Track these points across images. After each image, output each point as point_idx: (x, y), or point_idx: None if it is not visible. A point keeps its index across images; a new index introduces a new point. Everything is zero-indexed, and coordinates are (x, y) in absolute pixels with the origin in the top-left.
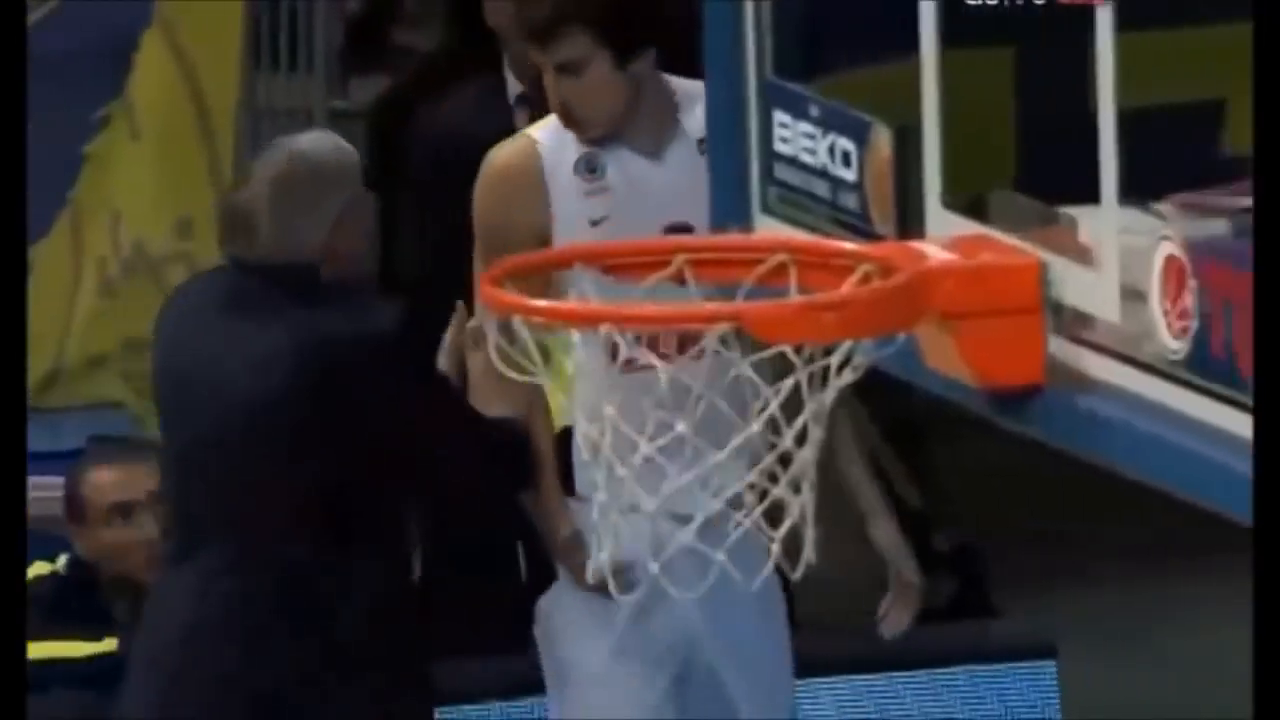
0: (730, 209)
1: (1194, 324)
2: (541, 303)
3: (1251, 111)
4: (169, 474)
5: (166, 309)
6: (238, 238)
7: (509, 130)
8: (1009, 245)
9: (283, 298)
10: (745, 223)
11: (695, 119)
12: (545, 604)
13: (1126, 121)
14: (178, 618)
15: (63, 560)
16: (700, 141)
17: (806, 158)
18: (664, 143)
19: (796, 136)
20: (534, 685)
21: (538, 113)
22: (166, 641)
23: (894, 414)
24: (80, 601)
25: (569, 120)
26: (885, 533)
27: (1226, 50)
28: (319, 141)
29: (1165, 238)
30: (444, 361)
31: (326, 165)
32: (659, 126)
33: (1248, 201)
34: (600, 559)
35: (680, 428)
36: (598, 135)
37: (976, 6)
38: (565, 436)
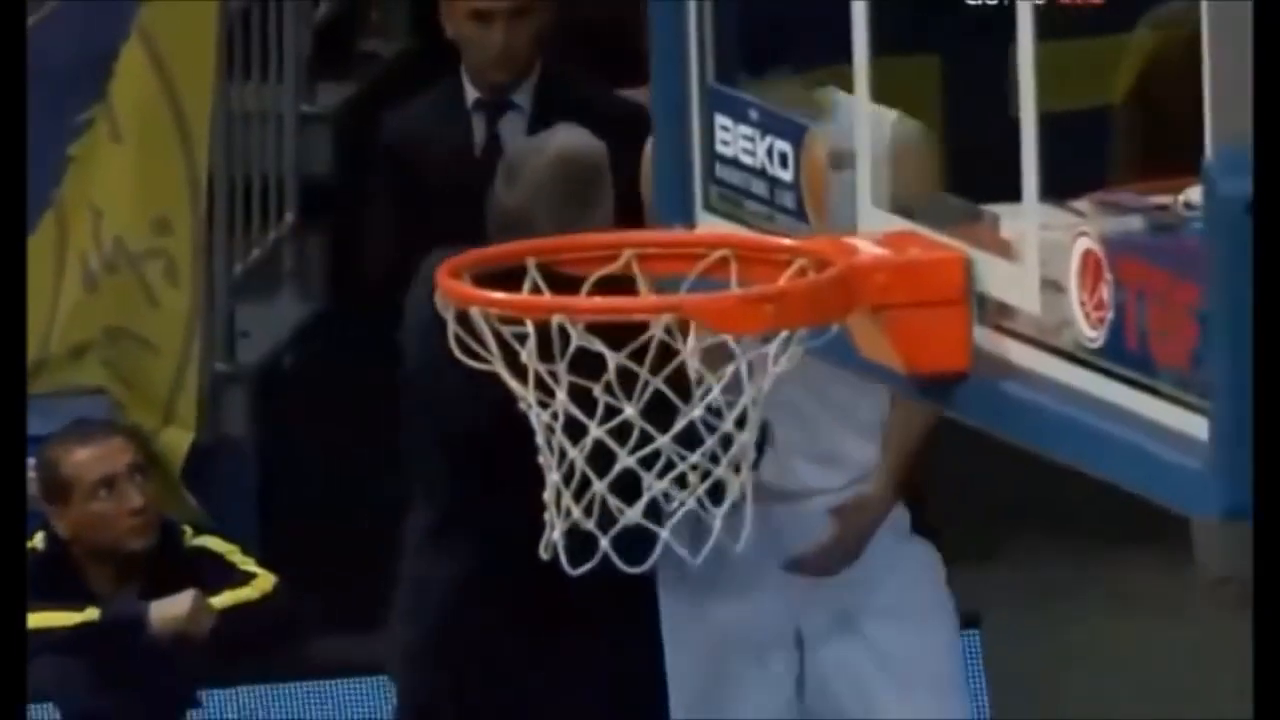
0: (675, 207)
1: (1110, 314)
2: (496, 294)
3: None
4: (425, 462)
5: (425, 296)
6: (512, 237)
7: (467, 135)
8: (936, 241)
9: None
10: (689, 220)
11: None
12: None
13: (1046, 124)
14: (441, 593)
15: (39, 537)
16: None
17: (746, 159)
18: None
19: (737, 139)
20: None
21: (495, 118)
22: (431, 613)
23: None
24: (60, 575)
25: None
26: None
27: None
28: (576, 137)
29: (1083, 233)
30: None
31: (591, 160)
32: None
33: (1160, 199)
34: (554, 536)
35: (628, 411)
36: None
37: (906, 18)
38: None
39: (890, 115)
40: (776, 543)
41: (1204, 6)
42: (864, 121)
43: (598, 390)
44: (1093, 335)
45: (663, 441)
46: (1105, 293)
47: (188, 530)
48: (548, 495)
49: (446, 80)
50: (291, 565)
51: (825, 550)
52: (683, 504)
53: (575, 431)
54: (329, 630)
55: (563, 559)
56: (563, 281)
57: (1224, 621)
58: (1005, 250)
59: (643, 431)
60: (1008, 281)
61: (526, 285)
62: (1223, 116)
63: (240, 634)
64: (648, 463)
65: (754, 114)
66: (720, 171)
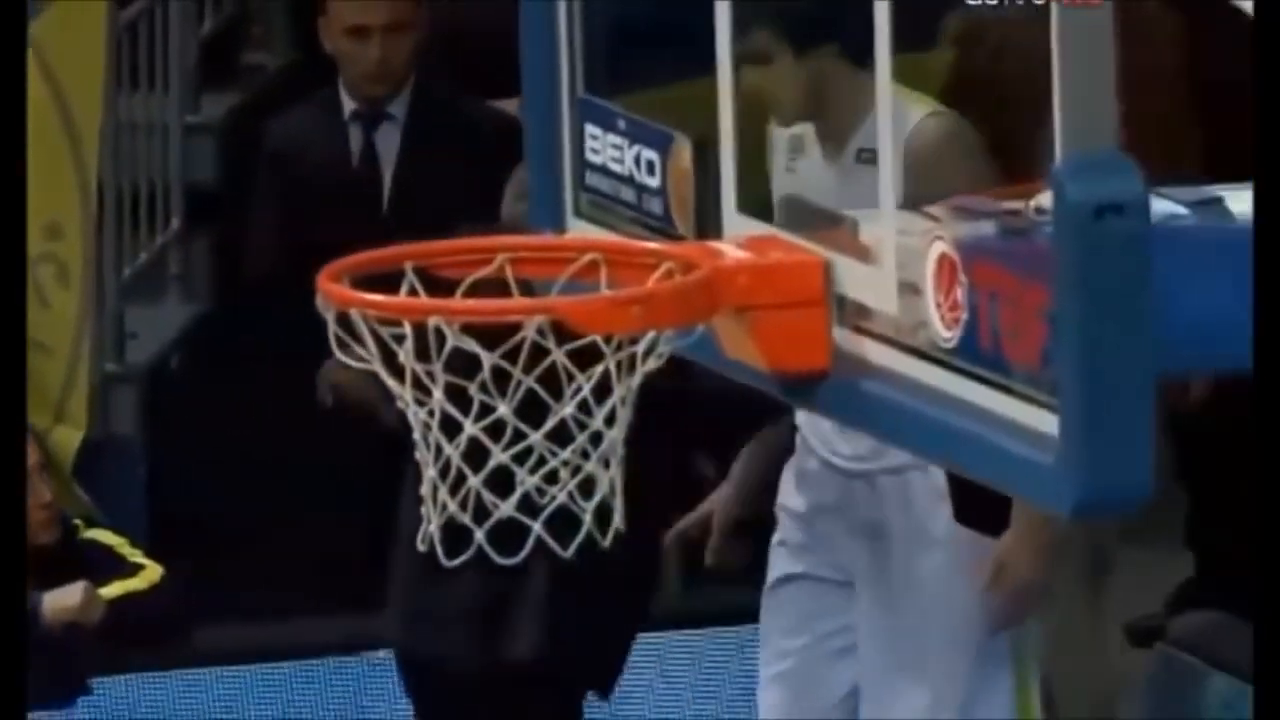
0: (547, 213)
1: (964, 315)
2: (375, 296)
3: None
4: None
5: None
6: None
7: (344, 144)
8: (797, 245)
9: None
10: (560, 225)
11: (867, 130)
12: None
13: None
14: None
15: None
16: (860, 151)
17: (615, 166)
18: (842, 145)
19: (606, 147)
20: None
21: (371, 129)
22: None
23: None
24: None
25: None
26: None
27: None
28: None
29: (938, 238)
30: None
31: None
32: (843, 128)
33: (1012, 205)
34: (430, 529)
35: (502, 409)
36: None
37: (768, 32)
38: None
39: (917, 111)
40: (852, 511)
41: (1054, 13)
42: (728, 129)
43: (473, 389)
44: (948, 335)
45: (535, 438)
46: (960, 295)
47: (80, 524)
48: (424, 490)
49: (325, 92)
50: (178, 557)
51: (999, 608)
52: (554, 498)
53: (452, 429)
54: (214, 620)
55: (439, 551)
56: (440, 284)
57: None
58: (864, 254)
59: (516, 429)
60: (866, 284)
61: (404, 288)
62: (1071, 122)
63: (129, 623)
64: (521, 459)
65: (622, 123)
66: (590, 179)
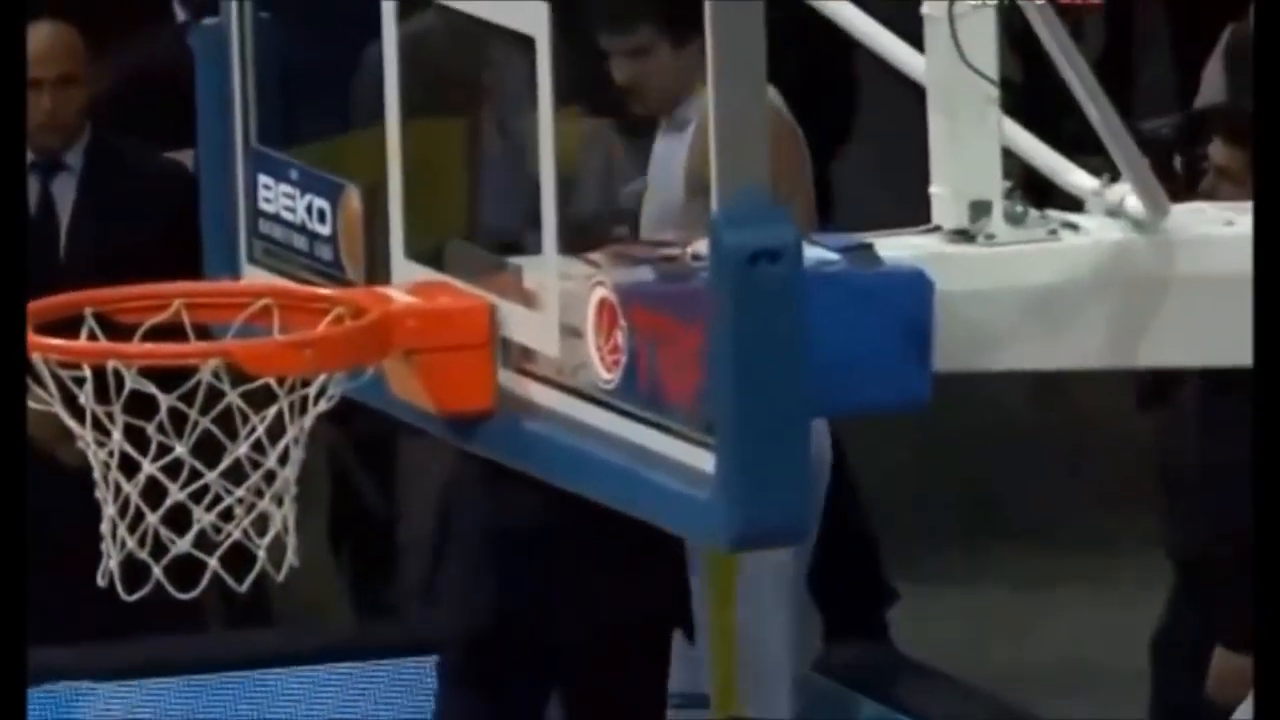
0: (221, 260)
1: (624, 358)
2: (55, 340)
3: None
4: None
5: None
6: None
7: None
8: (463, 290)
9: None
10: (234, 271)
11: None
12: None
13: (564, 183)
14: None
15: None
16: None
17: (287, 215)
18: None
19: (278, 196)
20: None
21: (48, 178)
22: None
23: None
24: None
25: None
26: None
27: None
28: None
29: (599, 284)
30: None
31: None
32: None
33: (669, 251)
34: (109, 564)
35: (179, 449)
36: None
37: (433, 85)
38: None
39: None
40: None
41: (709, 62)
42: (397, 178)
43: (150, 429)
44: (608, 377)
45: (211, 477)
46: (620, 338)
47: None
48: (104, 527)
49: None
50: None
51: None
52: (230, 535)
53: (131, 468)
54: None
55: (118, 586)
56: (119, 329)
57: None
58: (528, 299)
59: (193, 468)
60: (530, 327)
61: (84, 333)
62: (728, 170)
63: None
64: (198, 497)
65: (294, 174)
66: (263, 227)
